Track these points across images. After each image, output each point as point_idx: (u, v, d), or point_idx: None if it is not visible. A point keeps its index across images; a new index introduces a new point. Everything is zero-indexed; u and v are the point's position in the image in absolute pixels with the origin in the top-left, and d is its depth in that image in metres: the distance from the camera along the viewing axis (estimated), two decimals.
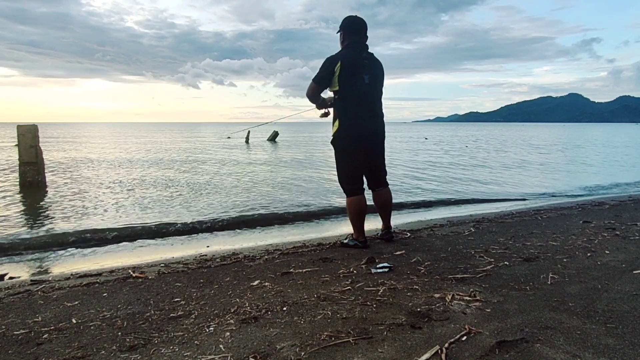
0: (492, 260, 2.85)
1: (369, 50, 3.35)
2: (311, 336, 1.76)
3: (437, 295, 2.19)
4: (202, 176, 10.50)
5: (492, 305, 2.06)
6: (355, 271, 2.67)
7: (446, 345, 1.64)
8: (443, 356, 1.56)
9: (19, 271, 3.68)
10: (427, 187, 8.96)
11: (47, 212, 6.22)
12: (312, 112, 3.63)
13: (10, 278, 3.31)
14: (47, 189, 8.14)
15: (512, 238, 3.54)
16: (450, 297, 2.15)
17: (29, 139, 7.89)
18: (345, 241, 3.43)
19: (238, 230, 5.25)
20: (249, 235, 5.06)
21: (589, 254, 2.99)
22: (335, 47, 3.43)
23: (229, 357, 1.60)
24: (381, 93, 3.40)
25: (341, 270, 2.69)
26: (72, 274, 3.11)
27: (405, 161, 14.70)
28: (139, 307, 2.17)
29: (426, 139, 35.09)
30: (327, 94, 3.47)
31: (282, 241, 4.22)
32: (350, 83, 3.21)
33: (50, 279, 2.99)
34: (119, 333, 1.85)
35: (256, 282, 2.51)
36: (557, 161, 15.52)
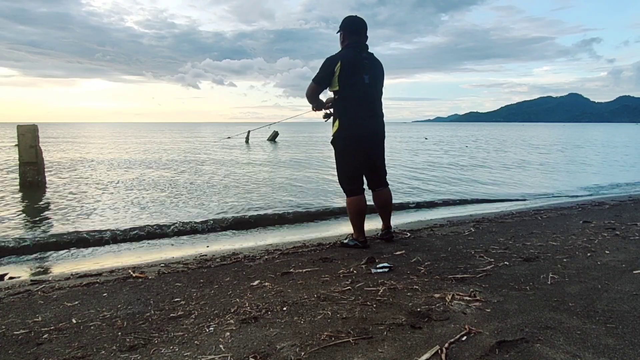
0: (492, 260, 2.85)
1: (369, 50, 3.35)
2: (311, 336, 1.76)
3: (437, 295, 2.19)
4: (201, 176, 10.50)
5: (492, 305, 2.06)
6: (355, 271, 2.67)
7: (446, 345, 1.64)
8: (443, 356, 1.56)
9: (19, 271, 3.68)
10: (427, 187, 8.97)
11: (47, 212, 6.22)
12: (313, 113, 3.63)
13: (10, 278, 3.31)
14: (47, 189, 8.14)
15: (512, 238, 3.54)
16: (450, 297, 2.15)
17: (29, 139, 7.89)
18: (345, 241, 3.43)
19: (238, 231, 5.25)
20: (249, 235, 5.06)
21: (589, 254, 2.99)
22: (335, 47, 3.44)
23: (229, 357, 1.60)
24: (381, 93, 3.40)
25: (341, 270, 2.69)
26: (72, 274, 3.11)
27: (405, 161, 14.70)
28: (139, 307, 2.16)
29: (426, 139, 35.09)
30: (327, 94, 3.47)
31: (282, 241, 4.22)
32: (350, 83, 3.21)
33: (50, 279, 2.99)
34: (119, 333, 1.85)
35: (256, 282, 2.51)
36: (557, 161, 15.53)
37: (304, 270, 2.74)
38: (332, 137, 3.40)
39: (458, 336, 1.71)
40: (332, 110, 3.44)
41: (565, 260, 2.85)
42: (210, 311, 2.07)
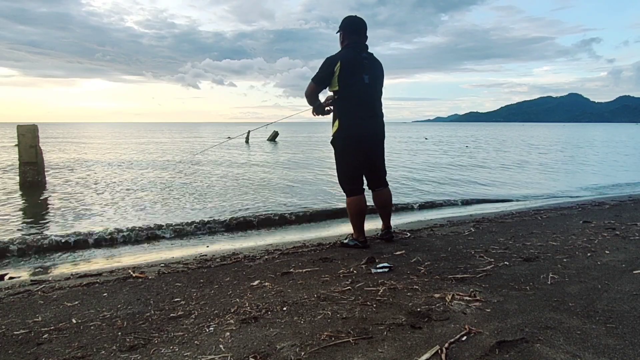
0: (492, 260, 2.85)
1: (369, 50, 3.35)
2: (311, 336, 1.76)
3: (437, 295, 2.19)
4: (201, 177, 10.51)
5: (492, 305, 2.06)
6: (355, 271, 2.67)
7: (446, 345, 1.64)
8: (443, 356, 1.56)
9: (19, 271, 3.68)
10: (427, 187, 8.97)
11: (47, 212, 6.22)
12: (312, 113, 3.62)
13: (10, 278, 3.31)
14: (47, 189, 8.14)
15: (512, 238, 3.54)
16: (450, 297, 2.15)
17: (29, 139, 7.89)
18: (345, 241, 3.43)
19: (238, 231, 5.25)
20: (249, 235, 5.06)
21: (589, 254, 2.99)
22: (335, 47, 3.43)
23: (229, 357, 1.60)
24: (381, 93, 3.40)
25: (341, 270, 2.69)
26: (72, 274, 3.11)
27: (405, 161, 14.70)
28: (139, 307, 2.16)
29: (426, 139, 35.10)
30: (326, 94, 3.47)
31: (282, 241, 4.22)
32: (350, 83, 3.21)
33: (50, 279, 2.99)
34: (119, 333, 1.85)
35: (256, 282, 2.51)
36: (556, 161, 15.54)
37: (304, 270, 2.74)
38: (332, 137, 3.40)
39: (458, 336, 1.71)
40: (332, 107, 3.43)
41: (565, 260, 2.85)
42: (210, 311, 2.07)
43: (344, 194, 3.40)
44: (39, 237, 4.66)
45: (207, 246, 4.40)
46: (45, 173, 8.66)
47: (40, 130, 8.39)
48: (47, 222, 5.56)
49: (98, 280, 2.72)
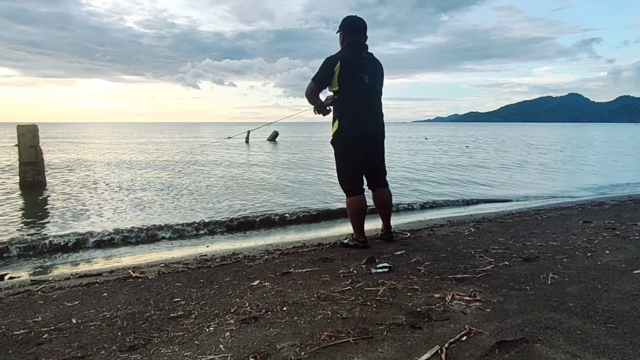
0: (492, 260, 2.85)
1: (369, 50, 3.35)
2: (311, 336, 1.76)
3: (437, 295, 2.19)
4: (201, 177, 10.50)
5: (492, 305, 2.06)
6: (355, 271, 2.67)
7: (446, 345, 1.64)
8: (443, 356, 1.56)
9: (19, 271, 3.68)
10: (427, 187, 8.97)
11: (47, 212, 6.22)
12: (312, 112, 3.62)
13: (10, 278, 3.31)
14: (47, 189, 8.14)
15: (512, 238, 3.54)
16: (450, 297, 2.15)
17: (29, 139, 7.89)
18: (345, 241, 3.43)
19: (238, 231, 5.25)
20: (249, 235, 5.06)
21: (589, 254, 2.99)
22: (335, 47, 3.43)
23: (229, 357, 1.60)
24: (381, 93, 3.40)
25: (341, 270, 2.69)
26: (72, 274, 3.11)
27: (405, 162, 14.70)
28: (139, 307, 2.16)
29: (426, 139, 35.10)
30: (326, 93, 3.47)
31: (282, 241, 4.22)
32: (350, 83, 3.21)
33: (50, 279, 2.99)
34: (119, 333, 1.85)
35: (256, 282, 2.51)
36: (556, 161, 15.54)
37: (304, 270, 2.74)
38: (332, 137, 3.40)
39: (458, 336, 1.71)
40: (331, 107, 3.43)
41: (565, 260, 2.85)
42: (210, 311, 2.07)
43: (344, 194, 3.41)
44: (39, 237, 4.67)
45: (207, 246, 4.40)
46: (45, 173, 8.66)
47: (40, 130, 8.39)
48: (47, 222, 5.56)
49: (98, 280, 2.73)
